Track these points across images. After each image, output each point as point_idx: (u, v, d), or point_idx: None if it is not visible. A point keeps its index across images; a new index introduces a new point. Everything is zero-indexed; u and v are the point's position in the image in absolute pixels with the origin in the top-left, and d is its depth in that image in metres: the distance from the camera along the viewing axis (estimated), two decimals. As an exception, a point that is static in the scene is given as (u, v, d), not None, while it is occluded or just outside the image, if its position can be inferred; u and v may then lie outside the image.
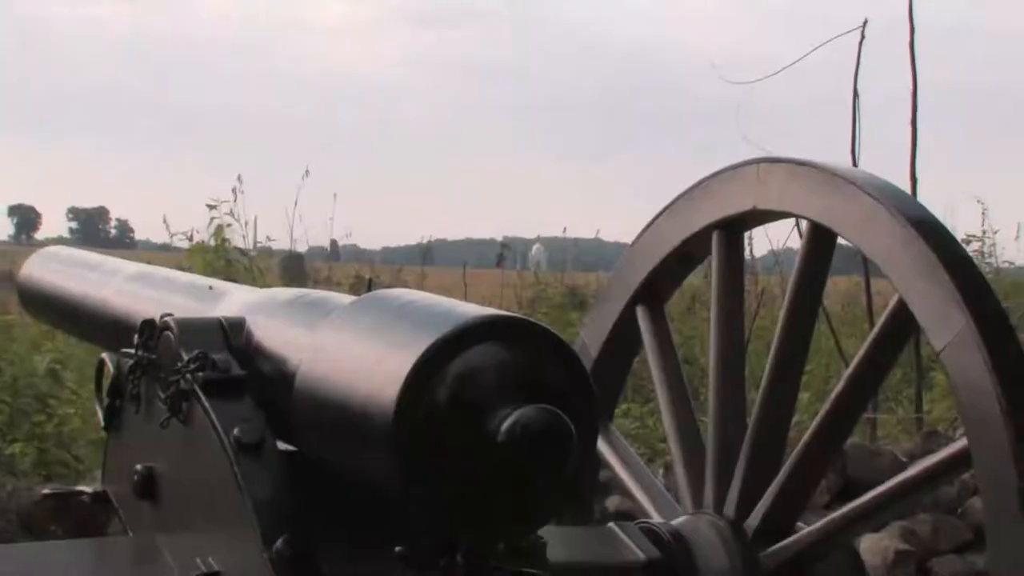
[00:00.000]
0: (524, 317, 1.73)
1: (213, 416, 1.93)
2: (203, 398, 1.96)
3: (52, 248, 3.16)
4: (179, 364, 2.01)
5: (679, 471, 2.58)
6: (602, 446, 2.74)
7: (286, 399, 1.88)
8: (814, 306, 2.47)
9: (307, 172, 9.75)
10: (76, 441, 5.57)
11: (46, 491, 2.98)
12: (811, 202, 2.36)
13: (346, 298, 2.03)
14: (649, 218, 2.73)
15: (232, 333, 2.08)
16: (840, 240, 2.38)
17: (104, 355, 2.29)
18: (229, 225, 7.92)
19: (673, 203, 2.67)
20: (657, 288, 2.75)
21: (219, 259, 7.66)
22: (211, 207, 7.82)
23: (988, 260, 9.17)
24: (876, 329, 2.30)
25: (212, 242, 7.82)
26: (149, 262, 3.04)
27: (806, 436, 2.35)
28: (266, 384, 1.98)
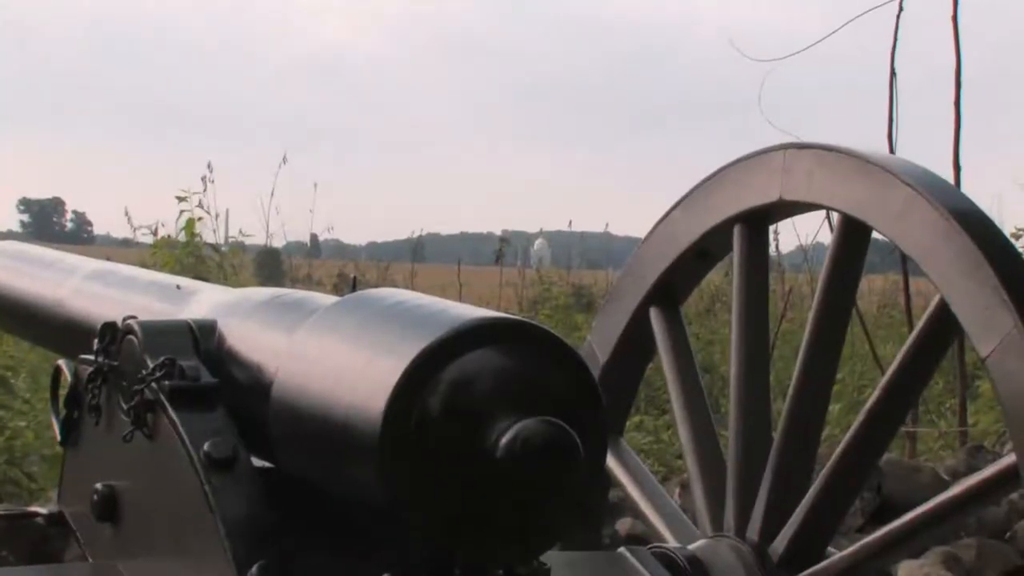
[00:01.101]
0: (525, 319, 1.73)
1: (181, 429, 1.93)
2: (170, 409, 1.96)
3: (1, 243, 3.16)
4: (143, 372, 2.01)
5: (697, 490, 2.58)
6: (611, 463, 2.74)
7: (262, 410, 1.88)
8: (846, 307, 2.48)
9: (284, 159, 9.79)
10: (29, 457, 5.57)
11: (-4, 512, 2.98)
12: (842, 192, 2.37)
13: (328, 298, 2.03)
14: (664, 210, 2.74)
15: (202, 337, 2.09)
16: (875, 234, 2.38)
17: (60, 362, 2.30)
18: (200, 219, 7.93)
19: (690, 194, 2.68)
20: (673, 288, 2.76)
21: (189, 255, 7.67)
22: (181, 199, 7.83)
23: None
24: (915, 333, 2.30)
25: (182, 236, 7.83)
26: (109, 258, 3.04)
27: (838, 451, 2.35)
28: (240, 394, 1.98)
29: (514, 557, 1.72)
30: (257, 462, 1.94)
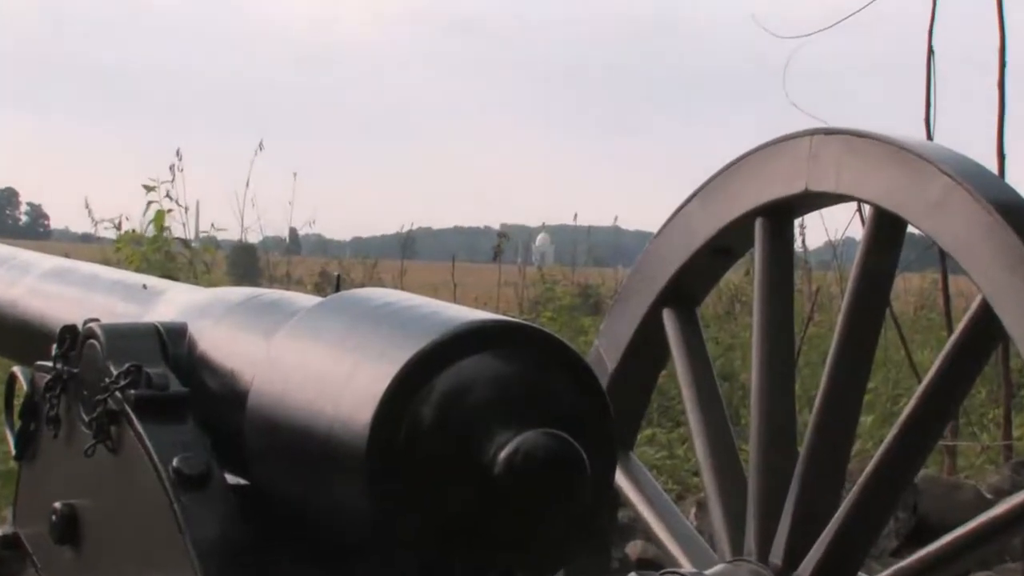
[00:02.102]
0: (526, 322, 1.74)
1: (148, 442, 1.94)
2: (136, 421, 1.97)
3: None
4: (106, 380, 2.02)
5: (715, 510, 2.58)
6: (621, 480, 2.74)
7: (237, 422, 1.89)
8: (880, 309, 2.48)
9: (260, 146, 9.78)
10: (-20, 474, 5.57)
11: (-56, 535, 2.98)
12: (875, 182, 2.37)
13: (309, 299, 2.03)
14: (678, 202, 2.74)
15: (171, 342, 2.09)
16: (911, 229, 2.38)
17: (15, 369, 2.30)
18: (170, 211, 7.93)
19: (708, 184, 2.68)
20: (688, 287, 2.76)
21: (157, 251, 7.67)
22: (149, 188, 7.83)
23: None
24: (955, 337, 2.31)
25: (151, 230, 7.82)
26: (68, 255, 3.05)
27: (870, 467, 2.35)
28: (212, 404, 1.99)
29: (513, 583, 1.72)
30: (231, 479, 1.95)
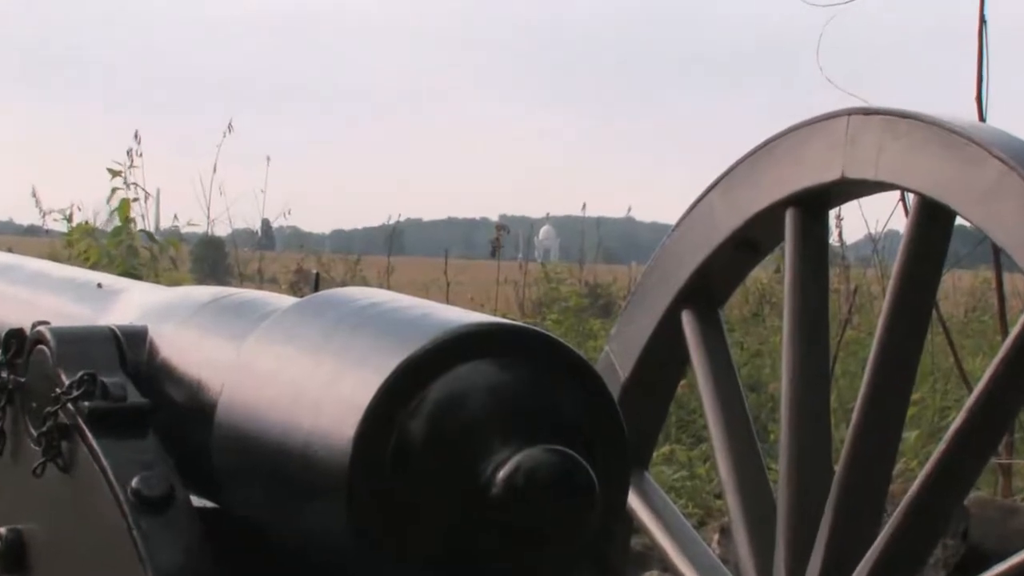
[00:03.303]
0: (528, 326, 1.74)
1: (104, 460, 1.94)
2: (90, 436, 1.97)
3: None
4: (57, 390, 2.02)
5: (740, 536, 2.59)
6: (635, 503, 2.75)
7: (203, 437, 1.89)
8: (925, 311, 2.49)
9: (230, 128, 9.79)
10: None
11: None
12: (919, 168, 2.38)
13: (284, 299, 2.04)
14: (699, 191, 2.74)
15: (130, 347, 2.10)
16: (960, 220, 2.39)
17: (-45, 378, 2.30)
18: (136, 199, 7.93)
19: (732, 170, 2.68)
20: (710, 286, 2.77)
21: (120, 244, 7.66)
22: (114, 172, 7.81)
23: None
24: (1009, 341, 2.31)
25: (113, 221, 7.82)
26: (11, 250, 3.05)
27: (914, 488, 2.36)
28: (176, 417, 1.99)
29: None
30: (197, 501, 1.95)
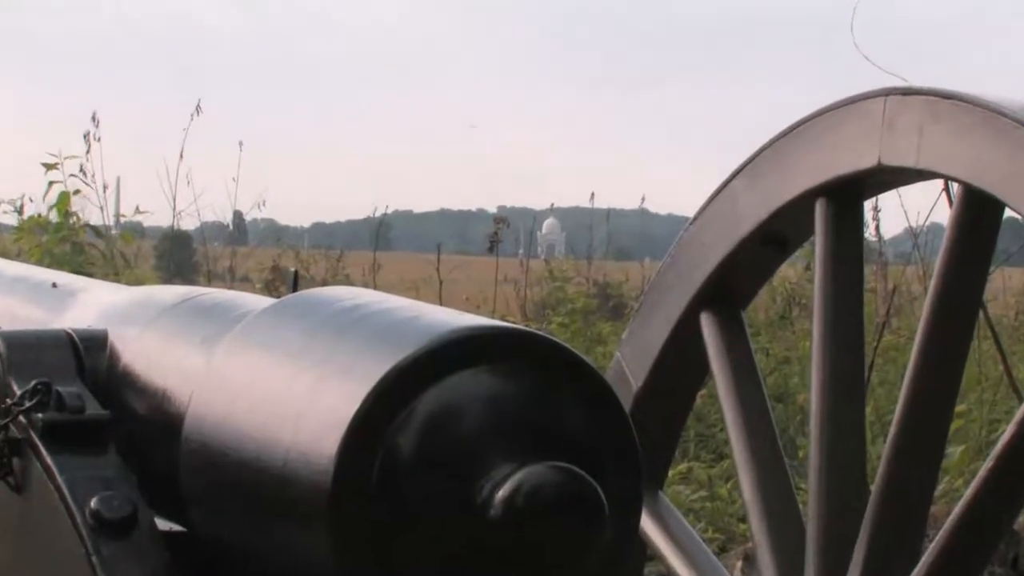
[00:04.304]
0: (530, 329, 1.75)
1: (60, 479, 1.94)
2: (44, 452, 1.97)
3: None
4: (8, 400, 2.02)
5: (766, 564, 2.59)
6: (648, 526, 2.75)
7: (170, 453, 1.89)
8: (971, 313, 2.49)
9: (198, 109, 9.79)
10: None
11: None
12: (965, 155, 2.38)
13: (259, 300, 2.04)
14: (720, 179, 2.75)
15: (88, 353, 2.10)
16: (1009, 213, 2.39)
17: None
18: (77, 192, 7.92)
19: (756, 157, 2.69)
20: (732, 285, 2.77)
21: (64, 241, 7.67)
22: (49, 166, 7.82)
23: None
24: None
25: (54, 217, 7.83)
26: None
27: (958, 510, 2.36)
28: (139, 430, 2.00)
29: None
30: (163, 524, 1.96)
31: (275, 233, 14.20)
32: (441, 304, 1.94)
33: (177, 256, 12.94)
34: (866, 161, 2.52)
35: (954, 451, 6.29)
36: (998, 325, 7.72)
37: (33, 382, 2.02)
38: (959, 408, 6.17)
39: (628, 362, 2.86)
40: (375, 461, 1.64)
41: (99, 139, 8.56)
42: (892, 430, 2.42)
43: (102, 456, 1.98)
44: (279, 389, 1.77)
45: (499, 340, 1.70)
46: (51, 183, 7.82)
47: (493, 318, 1.80)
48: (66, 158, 7.89)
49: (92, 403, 2.03)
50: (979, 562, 2.47)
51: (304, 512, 1.68)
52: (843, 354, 2.56)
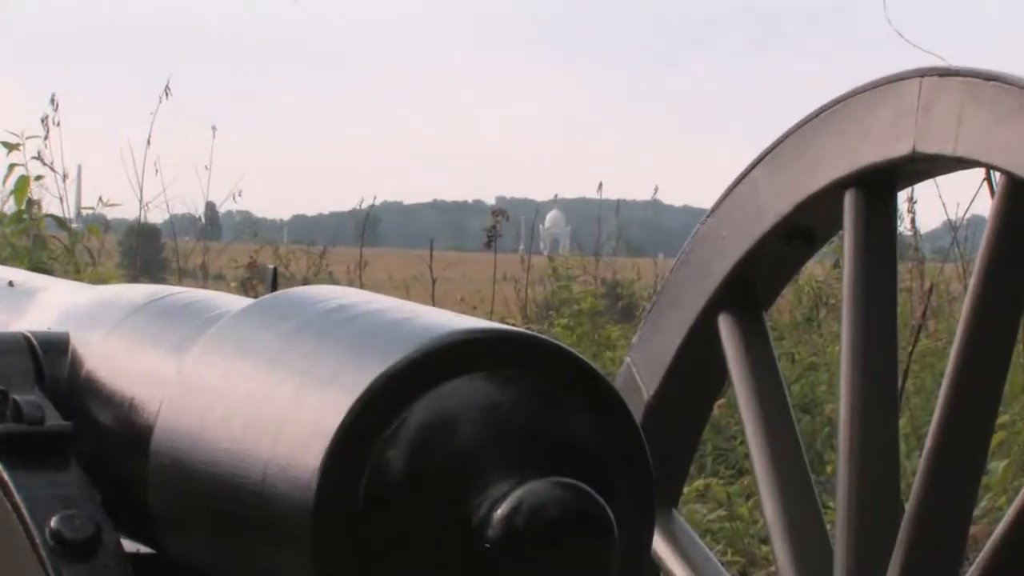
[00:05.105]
0: (531, 333, 1.75)
1: (17, 496, 1.95)
2: (0, 467, 1.98)
3: None
4: None
5: (789, 589, 2.60)
6: (662, 547, 2.75)
7: (137, 468, 1.90)
8: (1014, 315, 2.49)
9: (167, 91, 9.80)
10: None
11: None
12: (1007, 142, 2.38)
13: (235, 301, 2.05)
14: (740, 168, 2.75)
15: (48, 359, 2.10)
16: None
17: None
18: (40, 177, 7.92)
19: (780, 144, 2.69)
20: (753, 284, 2.77)
21: (23, 234, 7.66)
22: (10, 146, 7.81)
23: None
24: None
25: (10, 207, 7.83)
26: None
27: (1000, 529, 2.37)
28: (104, 443, 2.00)
29: None
30: (129, 545, 1.96)
31: (251, 227, 14.20)
32: (434, 305, 1.94)
33: (144, 252, 12.95)
34: (899, 148, 2.52)
35: (996, 466, 6.30)
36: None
37: None
38: (1002, 419, 6.17)
39: (639, 368, 2.87)
40: (362, 477, 1.65)
41: (59, 123, 8.57)
42: (928, 443, 2.43)
43: (63, 471, 1.98)
44: (257, 398, 1.78)
45: (498, 344, 1.71)
46: (12, 166, 7.80)
47: (491, 320, 1.81)
48: (28, 138, 7.88)
49: (52, 413, 2.03)
50: (1023, 587, 2.47)
51: (284, 532, 1.68)
52: (875, 360, 2.56)
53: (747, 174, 2.74)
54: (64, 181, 8.48)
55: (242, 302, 2.01)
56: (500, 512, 1.62)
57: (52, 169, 8.07)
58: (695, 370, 2.83)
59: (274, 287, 2.13)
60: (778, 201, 2.69)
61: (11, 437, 1.99)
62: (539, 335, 1.75)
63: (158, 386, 1.93)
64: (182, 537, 1.89)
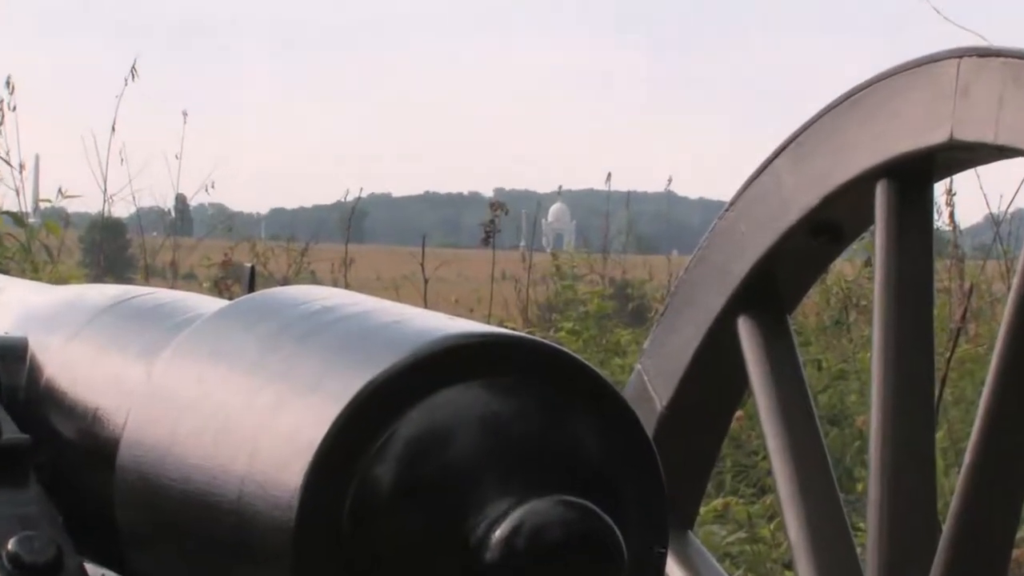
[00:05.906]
0: (533, 337, 1.75)
1: None
2: None
3: None
4: None
5: (815, 618, 2.60)
6: (675, 572, 2.76)
7: (102, 485, 1.90)
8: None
9: (133, 72, 9.81)
10: None
11: None
12: (1055, 129, 2.39)
13: (208, 302, 2.05)
14: (762, 158, 2.75)
15: (4, 366, 2.11)
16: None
17: None
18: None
19: (805, 131, 2.70)
20: (776, 284, 2.78)
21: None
22: None
23: None
24: None
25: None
26: None
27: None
28: (66, 458, 2.01)
29: None
30: (93, 570, 1.96)
31: (226, 221, 14.20)
32: (426, 307, 1.94)
33: (108, 249, 12.96)
34: (936, 136, 2.53)
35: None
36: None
37: None
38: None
39: (651, 376, 2.87)
40: (347, 494, 1.65)
41: (14, 108, 8.58)
42: (967, 458, 2.43)
43: (21, 489, 1.99)
44: (232, 408, 1.78)
45: (496, 350, 1.71)
46: None
47: (489, 323, 1.81)
48: None
49: (9, 425, 2.04)
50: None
51: (263, 553, 1.69)
52: (910, 367, 2.56)
53: (769, 164, 2.74)
54: (21, 172, 8.50)
55: (216, 304, 2.02)
56: (499, 533, 1.63)
57: (7, 162, 8.08)
58: (712, 378, 2.83)
59: (251, 288, 2.13)
60: (803, 193, 2.69)
61: None
62: (541, 340, 1.75)
63: (124, 395, 1.93)
64: (150, 559, 1.90)
